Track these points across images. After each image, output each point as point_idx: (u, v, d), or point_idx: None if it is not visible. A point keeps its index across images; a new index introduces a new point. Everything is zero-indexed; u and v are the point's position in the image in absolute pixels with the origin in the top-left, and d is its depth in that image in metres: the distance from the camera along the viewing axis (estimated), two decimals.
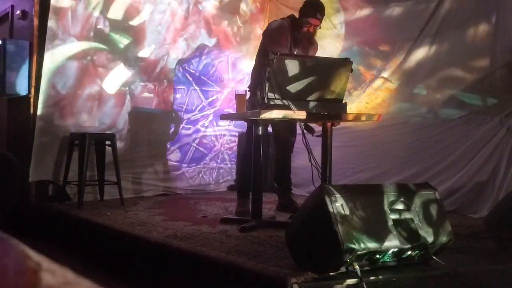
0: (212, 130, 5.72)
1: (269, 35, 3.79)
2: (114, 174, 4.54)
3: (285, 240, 2.46)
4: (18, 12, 5.03)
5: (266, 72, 3.12)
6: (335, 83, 3.39)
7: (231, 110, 5.72)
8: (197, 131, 5.59)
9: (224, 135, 5.81)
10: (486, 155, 3.89)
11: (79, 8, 4.71)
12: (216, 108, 5.70)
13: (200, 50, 5.57)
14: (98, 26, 4.85)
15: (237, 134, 5.85)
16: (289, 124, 3.85)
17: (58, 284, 0.58)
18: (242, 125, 5.69)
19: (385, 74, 4.72)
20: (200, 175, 5.61)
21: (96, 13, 4.83)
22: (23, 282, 0.59)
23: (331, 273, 2.18)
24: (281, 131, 3.95)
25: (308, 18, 3.69)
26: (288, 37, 3.75)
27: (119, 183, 4.53)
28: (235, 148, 5.86)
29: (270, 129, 3.98)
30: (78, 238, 3.91)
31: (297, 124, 3.65)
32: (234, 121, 5.74)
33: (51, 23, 4.57)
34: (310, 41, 3.83)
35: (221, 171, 5.79)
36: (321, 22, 3.74)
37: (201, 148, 5.62)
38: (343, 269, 2.19)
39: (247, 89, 3.80)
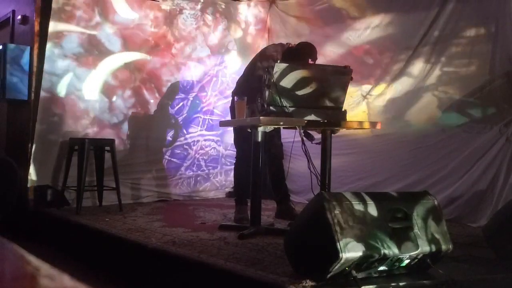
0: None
1: (264, 53, 3.87)
2: (113, 180, 4.53)
3: (284, 247, 2.46)
4: (19, 17, 5.04)
5: (267, 79, 3.13)
6: (335, 90, 3.40)
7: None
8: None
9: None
10: (485, 164, 3.89)
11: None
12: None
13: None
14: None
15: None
16: (276, 130, 3.88)
17: None
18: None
19: (385, 82, 4.73)
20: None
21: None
22: (21, 287, 0.59)
23: (330, 281, 2.17)
24: (269, 138, 3.95)
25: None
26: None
27: (118, 188, 4.52)
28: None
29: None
30: (76, 244, 3.90)
31: (297, 131, 3.65)
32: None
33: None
34: None
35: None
36: None
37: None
38: (341, 277, 2.18)
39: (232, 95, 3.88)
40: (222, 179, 5.72)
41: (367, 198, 2.34)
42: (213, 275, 2.58)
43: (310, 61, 3.72)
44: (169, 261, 2.89)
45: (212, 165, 5.69)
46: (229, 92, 5.27)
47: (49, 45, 4.59)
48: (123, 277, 3.21)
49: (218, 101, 5.66)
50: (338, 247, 2.07)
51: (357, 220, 2.19)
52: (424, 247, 2.29)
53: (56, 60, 4.66)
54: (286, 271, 2.36)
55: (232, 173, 5.61)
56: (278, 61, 3.74)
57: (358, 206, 2.24)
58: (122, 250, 3.35)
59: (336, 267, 2.11)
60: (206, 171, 5.65)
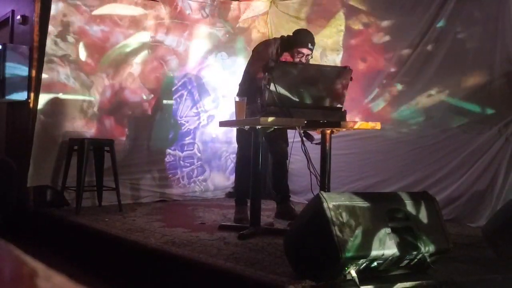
0: None
1: (257, 52, 3.84)
2: (112, 180, 4.53)
3: (283, 247, 2.46)
4: (18, 17, 5.04)
5: (266, 79, 3.13)
6: (334, 90, 3.39)
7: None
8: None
9: None
10: (485, 164, 3.89)
11: None
12: None
13: None
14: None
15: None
16: (281, 131, 3.87)
17: None
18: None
19: (385, 83, 4.72)
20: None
21: None
22: None
23: (329, 281, 2.17)
24: (274, 139, 3.95)
25: (300, 48, 3.67)
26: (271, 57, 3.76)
27: (118, 189, 4.52)
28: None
29: None
30: (75, 244, 3.90)
31: (296, 131, 3.65)
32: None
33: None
34: None
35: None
36: (312, 52, 3.74)
37: None
38: (341, 277, 2.18)
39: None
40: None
41: (366, 198, 2.34)
42: (213, 275, 2.58)
43: (309, 46, 3.68)
44: (168, 261, 2.89)
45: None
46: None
47: None
48: (122, 277, 3.21)
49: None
50: (338, 246, 2.07)
51: (357, 220, 2.19)
52: (424, 247, 2.29)
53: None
54: (286, 271, 2.36)
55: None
56: (272, 58, 3.73)
57: (357, 206, 2.24)
58: (122, 250, 3.34)
59: (336, 267, 2.11)
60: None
